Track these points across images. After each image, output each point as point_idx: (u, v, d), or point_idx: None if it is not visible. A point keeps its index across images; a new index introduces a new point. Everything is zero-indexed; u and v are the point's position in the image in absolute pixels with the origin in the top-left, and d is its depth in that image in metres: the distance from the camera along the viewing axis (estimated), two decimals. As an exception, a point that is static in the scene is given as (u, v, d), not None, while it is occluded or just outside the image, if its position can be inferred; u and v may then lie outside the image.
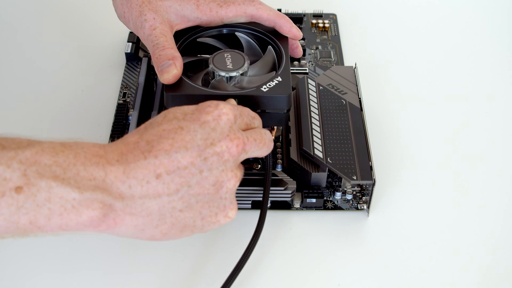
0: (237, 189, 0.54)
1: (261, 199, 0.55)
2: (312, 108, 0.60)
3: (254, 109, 0.52)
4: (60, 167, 0.38)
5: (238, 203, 0.55)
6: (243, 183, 0.54)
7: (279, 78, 0.53)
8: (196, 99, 0.52)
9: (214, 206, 0.44)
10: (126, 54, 0.70)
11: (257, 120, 0.49)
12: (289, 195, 0.56)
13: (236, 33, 0.59)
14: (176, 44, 0.55)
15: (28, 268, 0.52)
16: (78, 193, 0.38)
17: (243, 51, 0.58)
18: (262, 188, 0.53)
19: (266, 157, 0.53)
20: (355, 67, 0.64)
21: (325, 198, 0.57)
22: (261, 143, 0.46)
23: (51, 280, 0.51)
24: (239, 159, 0.44)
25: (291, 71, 0.68)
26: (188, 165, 0.41)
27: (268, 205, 0.56)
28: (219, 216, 0.45)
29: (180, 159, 0.41)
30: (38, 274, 0.52)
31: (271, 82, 0.52)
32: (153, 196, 0.41)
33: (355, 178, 0.54)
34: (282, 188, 0.55)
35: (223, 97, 0.51)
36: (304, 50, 0.71)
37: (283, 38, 0.58)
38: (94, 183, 0.39)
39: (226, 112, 0.44)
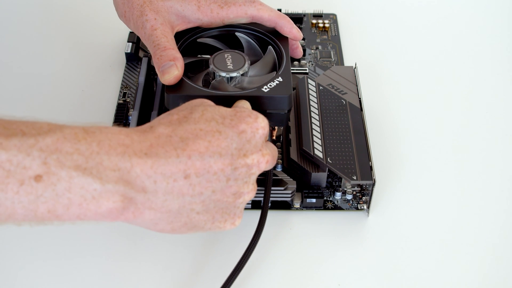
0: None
1: (261, 199, 0.55)
2: (312, 108, 0.60)
3: (254, 110, 0.52)
4: (82, 156, 0.37)
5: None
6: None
7: (280, 79, 0.53)
8: (196, 99, 0.52)
9: (226, 213, 0.44)
10: (126, 54, 0.70)
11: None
12: (289, 195, 0.56)
13: (237, 34, 0.59)
14: (177, 45, 0.55)
15: (26, 256, 0.52)
16: (100, 184, 0.38)
17: (243, 52, 0.58)
18: (263, 188, 0.53)
19: None
20: (355, 67, 0.64)
21: (325, 198, 0.57)
22: (276, 159, 0.47)
23: (47, 269, 0.51)
24: (265, 169, 0.45)
25: (291, 71, 0.68)
26: (218, 171, 0.41)
27: (268, 205, 0.56)
28: (227, 222, 0.45)
29: (212, 164, 0.41)
30: (34, 261, 0.52)
31: (271, 82, 0.53)
32: (177, 195, 0.41)
33: (355, 178, 0.54)
34: (282, 188, 0.55)
35: (224, 98, 0.51)
36: (304, 50, 0.71)
37: (284, 38, 0.58)
38: (118, 174, 0.38)
39: (263, 126, 0.44)
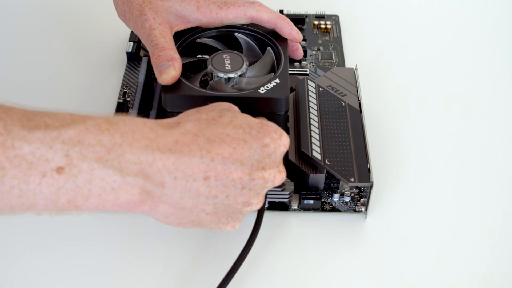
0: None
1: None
2: (311, 110, 0.60)
3: (251, 111, 0.52)
4: (104, 147, 0.38)
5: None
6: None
7: (277, 80, 0.53)
8: (194, 100, 0.52)
9: (231, 217, 0.45)
10: (127, 53, 0.70)
11: None
12: (287, 196, 0.55)
13: (236, 34, 0.59)
14: (176, 45, 0.55)
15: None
16: (120, 176, 0.38)
17: (242, 52, 0.58)
18: None
19: None
20: (356, 69, 0.64)
21: (323, 200, 0.57)
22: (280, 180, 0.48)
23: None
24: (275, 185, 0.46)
25: (292, 72, 0.68)
26: (237, 178, 0.42)
27: (266, 206, 0.56)
28: (228, 225, 0.46)
29: (232, 170, 0.41)
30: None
31: (269, 83, 0.52)
32: (193, 194, 0.41)
33: (353, 180, 0.54)
34: (280, 189, 0.55)
35: (221, 99, 0.51)
36: (305, 51, 0.71)
37: (283, 40, 0.58)
38: (139, 167, 0.39)
39: (285, 144, 0.45)
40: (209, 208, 0.43)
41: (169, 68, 0.51)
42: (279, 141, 0.44)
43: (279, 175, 0.45)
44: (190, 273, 0.52)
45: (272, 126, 0.45)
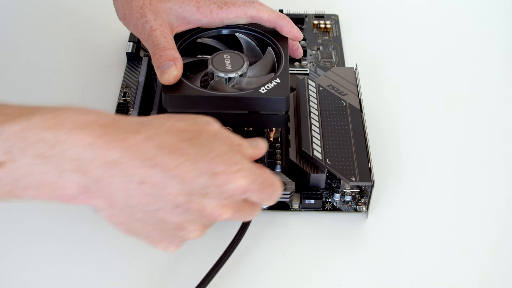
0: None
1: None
2: (312, 109, 0.60)
3: (251, 110, 0.52)
4: (47, 144, 0.38)
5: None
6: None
7: (278, 80, 0.53)
8: (194, 100, 0.52)
9: (163, 235, 0.42)
10: (127, 53, 0.70)
11: (272, 200, 0.45)
12: (288, 196, 0.55)
13: (236, 34, 0.59)
14: (176, 45, 0.55)
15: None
16: (59, 172, 0.38)
17: (242, 52, 0.58)
18: None
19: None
20: (356, 68, 0.64)
21: (324, 200, 0.57)
22: (246, 217, 0.44)
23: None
24: (216, 221, 0.43)
25: (292, 71, 0.68)
26: (171, 195, 0.40)
27: (267, 206, 0.56)
28: (160, 243, 0.43)
29: (170, 185, 0.39)
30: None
31: (269, 83, 0.52)
32: (126, 195, 0.40)
33: (354, 179, 0.54)
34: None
35: (222, 99, 0.51)
36: (305, 51, 0.71)
37: (283, 39, 0.58)
38: (79, 163, 0.38)
39: (240, 186, 0.41)
40: (138, 214, 0.41)
41: (170, 68, 0.51)
42: (233, 176, 0.40)
43: (220, 210, 0.41)
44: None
45: (236, 160, 0.41)
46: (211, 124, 0.43)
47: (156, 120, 0.42)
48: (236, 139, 0.44)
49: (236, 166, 0.41)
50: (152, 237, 0.42)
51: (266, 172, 0.43)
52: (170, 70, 0.51)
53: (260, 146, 0.46)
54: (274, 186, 0.44)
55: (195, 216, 0.41)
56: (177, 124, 0.42)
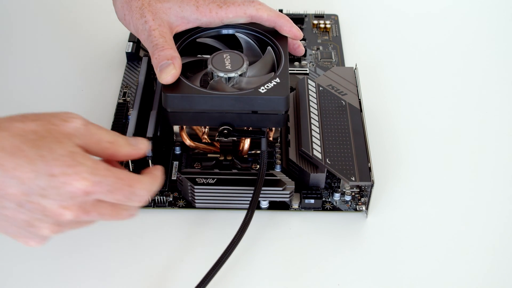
0: (235, 189, 0.54)
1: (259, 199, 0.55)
2: (311, 109, 0.60)
3: (251, 110, 0.52)
4: None
5: (236, 203, 0.56)
6: (241, 182, 0.54)
7: (278, 80, 0.53)
8: (194, 100, 0.52)
9: (19, 232, 0.43)
10: (127, 53, 0.70)
11: (136, 200, 0.44)
12: (288, 196, 0.55)
13: (236, 34, 0.59)
14: (176, 44, 0.55)
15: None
16: None
17: (242, 52, 0.58)
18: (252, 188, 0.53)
19: (261, 156, 0.54)
20: (355, 68, 0.64)
21: (323, 199, 0.57)
22: (110, 217, 0.44)
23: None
24: (68, 221, 0.42)
25: (292, 71, 0.68)
26: (12, 194, 0.40)
27: (267, 206, 0.57)
28: (20, 240, 0.43)
29: (10, 185, 0.40)
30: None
31: (269, 83, 0.52)
32: None
33: (353, 179, 0.54)
34: (281, 189, 0.55)
35: (221, 98, 0.51)
36: (305, 51, 0.71)
37: (283, 39, 0.58)
38: None
39: (80, 187, 0.40)
40: None
41: (168, 67, 0.51)
42: (70, 178, 0.40)
43: (61, 210, 0.41)
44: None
45: (78, 161, 0.41)
46: (70, 122, 0.43)
47: (7, 122, 0.42)
48: (105, 135, 0.43)
49: (74, 168, 0.40)
50: (11, 233, 0.43)
51: (119, 172, 0.42)
52: (168, 69, 0.51)
53: (139, 146, 0.46)
54: (132, 187, 0.42)
55: (39, 215, 0.41)
56: (27, 125, 0.41)
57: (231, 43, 0.59)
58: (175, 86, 0.52)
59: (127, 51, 0.70)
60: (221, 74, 0.54)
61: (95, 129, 0.43)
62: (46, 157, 0.40)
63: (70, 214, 0.41)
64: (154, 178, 0.45)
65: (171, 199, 0.57)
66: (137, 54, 0.70)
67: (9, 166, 0.39)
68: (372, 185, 0.54)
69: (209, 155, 0.59)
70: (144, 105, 0.62)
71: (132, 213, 0.45)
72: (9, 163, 0.39)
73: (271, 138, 0.59)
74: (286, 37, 0.58)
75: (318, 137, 0.57)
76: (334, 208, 0.57)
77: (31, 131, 0.41)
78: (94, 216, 0.43)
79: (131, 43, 0.70)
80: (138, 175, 0.44)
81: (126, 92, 0.66)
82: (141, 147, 0.46)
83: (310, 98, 0.61)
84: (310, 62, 0.71)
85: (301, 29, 0.75)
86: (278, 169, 0.59)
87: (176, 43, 0.55)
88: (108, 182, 0.41)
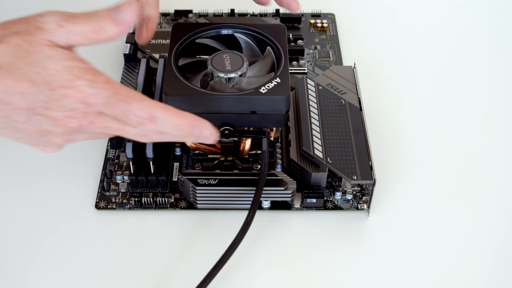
0: (237, 189, 0.54)
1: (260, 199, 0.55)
2: (311, 108, 0.60)
3: (251, 110, 0.52)
4: None
5: (238, 203, 0.56)
6: (242, 183, 0.54)
7: (278, 80, 0.53)
8: (194, 100, 0.52)
9: (35, 141, 0.45)
10: (125, 55, 0.70)
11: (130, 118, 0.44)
12: (289, 195, 0.55)
13: (235, 34, 0.59)
14: (176, 45, 0.55)
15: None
16: None
17: (242, 52, 0.58)
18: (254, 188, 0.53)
19: (262, 156, 0.54)
20: (354, 67, 0.64)
21: (325, 198, 0.57)
22: (114, 131, 0.45)
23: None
24: (74, 129, 0.44)
25: (290, 71, 0.68)
26: (20, 108, 0.42)
27: (268, 206, 0.57)
28: (37, 148, 0.46)
29: (15, 101, 0.41)
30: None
31: (269, 83, 0.52)
32: None
33: (355, 178, 0.54)
34: (282, 188, 0.55)
35: (222, 99, 0.51)
36: (302, 50, 0.71)
37: (282, 39, 0.58)
38: None
39: (79, 98, 0.42)
40: (3, 125, 0.43)
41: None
42: (69, 91, 0.41)
43: (68, 120, 0.42)
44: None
45: (74, 76, 0.42)
46: (46, 30, 0.43)
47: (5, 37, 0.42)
48: (85, 27, 0.43)
49: (72, 82, 0.42)
50: (28, 142, 0.45)
51: (119, 87, 0.43)
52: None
53: (125, 19, 0.44)
54: (129, 104, 0.43)
55: (48, 126, 0.43)
56: (12, 40, 0.42)
57: (231, 43, 0.59)
58: (175, 87, 0.52)
59: (124, 52, 0.69)
60: (221, 75, 0.54)
61: (72, 25, 0.44)
62: (42, 74, 0.42)
63: (75, 122, 0.43)
64: (166, 108, 0.45)
65: (172, 200, 0.57)
66: (134, 56, 0.70)
67: (9, 84, 0.41)
68: (373, 184, 0.54)
69: (210, 155, 0.59)
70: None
71: (141, 133, 0.44)
72: (9, 80, 0.41)
73: (272, 138, 0.59)
74: (285, 37, 0.58)
75: (319, 136, 0.57)
76: (336, 207, 0.57)
77: (16, 45, 0.42)
78: (100, 127, 0.44)
79: (129, 45, 0.70)
80: (142, 95, 0.44)
81: (124, 93, 0.66)
82: (126, 18, 0.44)
83: (310, 97, 0.61)
84: (308, 61, 0.71)
85: (298, 28, 0.76)
86: (279, 169, 0.59)
87: (175, 44, 0.55)
88: (104, 95, 0.42)
